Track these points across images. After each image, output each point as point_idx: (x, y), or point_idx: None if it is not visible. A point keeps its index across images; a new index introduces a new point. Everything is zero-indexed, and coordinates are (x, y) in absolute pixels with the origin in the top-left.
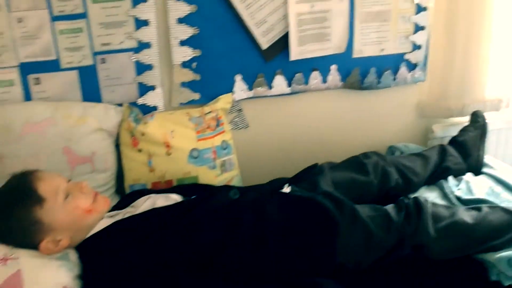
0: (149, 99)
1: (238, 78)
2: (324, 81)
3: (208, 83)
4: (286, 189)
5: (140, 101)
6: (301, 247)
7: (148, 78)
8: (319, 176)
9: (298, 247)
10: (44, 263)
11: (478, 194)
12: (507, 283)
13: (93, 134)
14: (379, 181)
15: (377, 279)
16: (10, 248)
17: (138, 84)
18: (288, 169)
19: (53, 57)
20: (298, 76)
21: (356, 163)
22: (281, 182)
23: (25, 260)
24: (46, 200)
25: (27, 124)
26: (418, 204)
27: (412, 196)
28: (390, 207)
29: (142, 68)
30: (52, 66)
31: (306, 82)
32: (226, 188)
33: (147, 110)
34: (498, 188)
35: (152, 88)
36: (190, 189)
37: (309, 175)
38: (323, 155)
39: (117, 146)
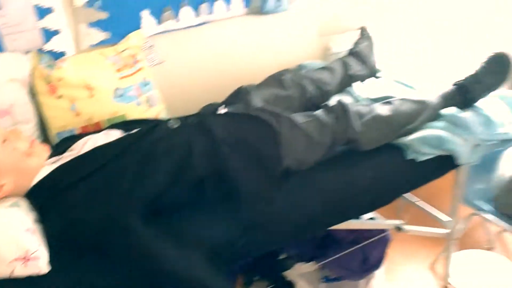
0: (56, 44)
1: (146, 13)
2: (228, 8)
3: (116, 21)
4: (222, 111)
5: (47, 47)
6: (252, 158)
7: (50, 22)
8: (248, 96)
9: (249, 158)
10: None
11: (382, 93)
12: (420, 159)
13: (6, 86)
14: (298, 94)
15: (317, 175)
16: None
17: (42, 30)
18: (212, 97)
19: None
20: (204, 6)
21: (275, 80)
22: (214, 106)
23: None
24: None
25: None
26: (343, 106)
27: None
28: (319, 112)
29: (42, 12)
30: None
31: (212, 11)
32: (162, 120)
33: (56, 56)
34: (397, 87)
35: (57, 32)
36: (124, 126)
37: (238, 97)
38: (240, 80)
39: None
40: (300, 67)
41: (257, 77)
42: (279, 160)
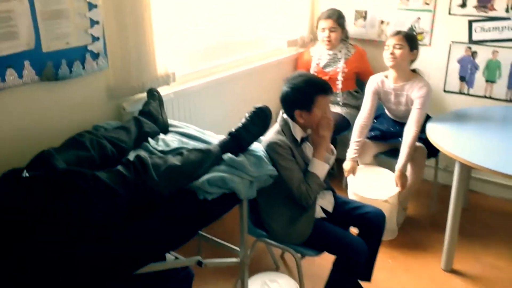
0: None
1: None
2: (20, 76)
3: None
4: (26, 175)
5: None
6: (63, 217)
7: None
8: (51, 159)
9: (60, 218)
10: None
11: (173, 145)
12: (210, 198)
13: None
14: (98, 153)
15: (124, 225)
16: None
17: None
18: (12, 163)
19: None
20: None
21: (75, 142)
22: (16, 172)
23: None
24: None
25: None
26: (141, 159)
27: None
28: (120, 167)
29: None
30: None
31: (3, 80)
32: None
33: None
34: (185, 139)
35: None
36: None
37: (41, 161)
38: (40, 144)
39: None
40: (96, 128)
41: (56, 140)
42: (88, 215)
